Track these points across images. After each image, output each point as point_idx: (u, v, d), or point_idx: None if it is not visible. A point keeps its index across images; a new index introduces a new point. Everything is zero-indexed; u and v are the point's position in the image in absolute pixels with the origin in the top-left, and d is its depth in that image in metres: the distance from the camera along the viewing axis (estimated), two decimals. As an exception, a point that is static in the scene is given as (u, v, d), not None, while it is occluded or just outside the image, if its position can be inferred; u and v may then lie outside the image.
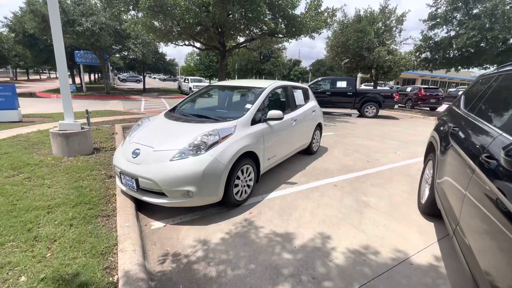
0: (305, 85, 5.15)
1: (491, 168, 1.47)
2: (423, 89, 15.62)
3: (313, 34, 10.06)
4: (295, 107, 4.34)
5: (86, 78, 36.49)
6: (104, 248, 2.03)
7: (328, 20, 9.47)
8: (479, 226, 1.49)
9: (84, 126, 4.56)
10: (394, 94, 11.60)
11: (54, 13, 3.98)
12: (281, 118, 3.39)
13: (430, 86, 17.68)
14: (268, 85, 3.77)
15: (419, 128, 9.37)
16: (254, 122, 3.24)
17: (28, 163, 3.71)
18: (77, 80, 24.11)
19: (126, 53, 20.64)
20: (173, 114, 3.61)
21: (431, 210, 2.82)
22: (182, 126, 3.09)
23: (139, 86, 30.27)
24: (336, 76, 13.07)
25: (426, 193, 2.99)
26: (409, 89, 17.04)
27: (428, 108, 16.40)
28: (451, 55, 12.98)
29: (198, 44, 12.00)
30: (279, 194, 3.41)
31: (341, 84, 11.84)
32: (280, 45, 28.74)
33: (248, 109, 3.29)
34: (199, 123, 3.09)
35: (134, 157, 2.70)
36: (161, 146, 2.70)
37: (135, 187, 2.62)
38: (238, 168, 2.86)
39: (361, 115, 11.81)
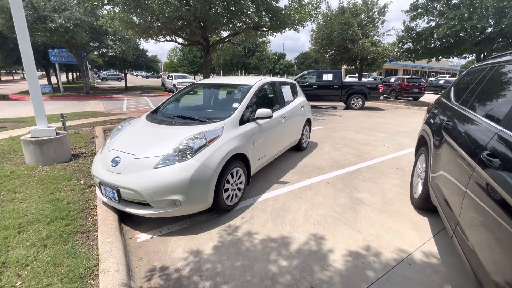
0: (292, 81, 5.03)
1: (493, 166, 1.40)
2: (406, 80, 15.92)
3: (297, 27, 9.91)
4: (283, 103, 4.22)
5: (63, 77, 34.80)
6: (83, 270, 1.85)
7: (313, 12, 9.33)
8: (481, 225, 1.43)
9: (60, 131, 4.25)
10: (379, 86, 11.71)
11: (17, 9, 3.62)
12: (270, 117, 3.25)
13: (413, 77, 18.06)
14: (255, 82, 3.61)
15: (404, 119, 9.51)
16: (242, 121, 3.09)
17: (-3, 175, 3.40)
18: (54, 80, 22.91)
19: (104, 51, 19.74)
20: (155, 116, 3.39)
21: (424, 205, 2.80)
22: (165, 129, 2.89)
23: (121, 84, 29.20)
24: (322, 69, 13.03)
25: (419, 187, 2.96)
26: (392, 80, 17.34)
27: (411, 98, 16.76)
28: (432, 45, 13.22)
29: (180, 40, 11.59)
30: (271, 195, 3.30)
31: (327, 77, 11.82)
32: (264, 38, 28.50)
33: (236, 108, 3.13)
34: (183, 126, 2.90)
35: (114, 166, 2.49)
36: (143, 153, 2.51)
37: (117, 198, 2.43)
38: (227, 172, 2.71)
39: (348, 107, 11.88)
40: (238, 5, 8.11)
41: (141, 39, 11.11)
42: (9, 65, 23.03)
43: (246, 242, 2.37)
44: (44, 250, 2.02)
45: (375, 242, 2.39)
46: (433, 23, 12.87)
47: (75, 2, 13.90)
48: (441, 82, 21.69)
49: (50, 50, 17.21)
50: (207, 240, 2.40)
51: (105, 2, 7.20)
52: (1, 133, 5.75)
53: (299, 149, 5.02)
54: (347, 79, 26.09)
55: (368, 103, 13.33)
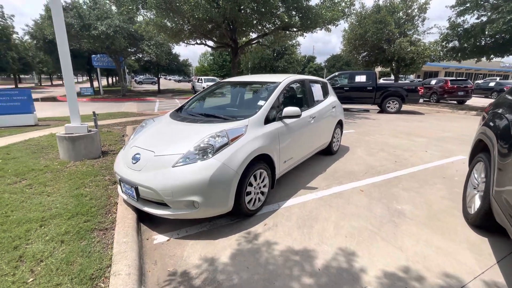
0: (324, 79, 4.70)
1: None
2: (449, 81, 14.54)
3: (329, 26, 9.50)
4: (313, 103, 3.92)
5: (104, 81, 37.64)
6: (94, 271, 1.75)
7: (346, 10, 8.87)
8: None
9: (92, 129, 4.39)
10: (418, 88, 10.78)
11: (57, 16, 3.81)
12: (298, 116, 2.99)
13: (458, 78, 16.46)
14: (282, 79, 3.38)
15: (448, 123, 8.59)
16: (267, 120, 2.87)
17: (33, 168, 3.56)
18: (96, 84, 24.78)
19: (140, 55, 20.90)
20: (179, 114, 3.31)
21: (484, 223, 2.33)
22: (187, 127, 2.78)
23: (155, 87, 30.73)
24: (354, 71, 12.38)
25: (475, 201, 2.49)
26: (433, 81, 15.96)
27: (455, 102, 15.28)
28: (483, 42, 11.87)
29: (210, 43, 11.77)
30: (297, 201, 3.02)
31: (360, 78, 11.17)
32: (294, 41, 28.15)
33: (261, 106, 2.92)
34: (206, 124, 2.76)
35: (134, 163, 2.42)
36: (163, 150, 2.40)
37: (135, 197, 2.34)
38: (250, 174, 2.50)
39: (382, 110, 11.09)
40: (267, 5, 7.97)
41: (173, 43, 11.43)
42: (58, 70, 25.34)
43: (268, 253, 2.13)
44: (61, 246, 1.97)
45: (419, 263, 2.01)
46: (484, 18, 11.57)
47: (115, 11, 14.87)
48: (492, 84, 19.54)
49: (93, 55, 18.61)
50: (225, 247, 2.21)
51: (139, 6, 7.53)
52: (44, 130, 6.17)
53: (329, 152, 4.66)
54: (381, 81, 24.69)
55: (405, 107, 12.36)
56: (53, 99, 17.20)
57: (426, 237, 2.35)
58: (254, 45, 11.65)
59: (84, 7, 15.07)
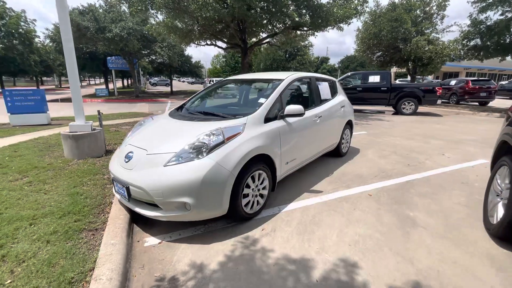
0: (332, 77, 4.50)
1: None
2: (470, 82, 13.80)
3: (341, 25, 9.22)
4: (319, 102, 3.73)
5: (120, 83, 38.71)
6: (75, 274, 1.65)
7: (359, 7, 8.58)
8: None
9: (96, 127, 4.39)
10: (436, 88, 10.26)
11: (63, 14, 3.84)
12: (301, 114, 2.82)
13: (480, 78, 15.61)
14: (286, 76, 3.22)
15: (468, 125, 8.09)
16: (268, 119, 2.72)
17: (37, 166, 3.57)
18: (111, 85, 25.49)
19: (154, 57, 21.28)
20: (179, 112, 3.22)
21: (508, 234, 2.07)
22: (184, 125, 2.67)
23: (168, 89, 31.26)
24: (367, 71, 11.99)
25: (498, 210, 2.22)
26: (453, 82, 15.21)
27: (477, 103, 14.49)
28: (508, 40, 11.16)
29: (220, 43, 11.77)
30: (299, 205, 2.84)
31: (374, 78, 10.77)
32: (306, 42, 27.85)
33: (262, 104, 2.77)
34: (202, 122, 2.65)
35: (126, 162, 2.33)
36: (156, 148, 2.30)
37: (127, 196, 2.25)
38: (247, 175, 2.36)
39: (397, 112, 10.65)
40: (277, 4, 7.83)
41: (184, 44, 11.50)
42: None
43: (263, 261, 1.97)
44: (46, 246, 1.90)
45: (433, 279, 1.79)
46: (509, 15, 10.89)
47: (127, 11, 15.21)
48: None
49: (108, 57, 19.12)
50: (218, 252, 2.07)
51: (148, 7, 7.61)
52: (54, 129, 6.30)
53: (337, 154, 4.44)
54: (397, 82, 23.90)
55: (422, 109, 11.82)
56: (70, 100, 17.79)
57: (440, 249, 2.11)
58: (264, 45, 11.52)
59: (100, 10, 15.53)
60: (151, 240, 2.24)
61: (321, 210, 2.73)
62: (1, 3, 21.12)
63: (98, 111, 4.52)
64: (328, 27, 9.08)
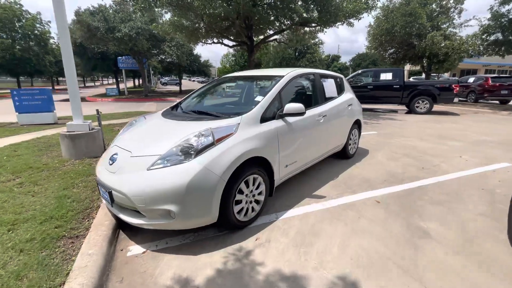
0: (338, 74, 4.23)
1: None
2: (490, 79, 13.06)
3: (351, 20, 8.86)
4: (324, 100, 3.48)
5: (131, 83, 39.33)
6: (43, 289, 1.51)
7: (370, 1, 8.19)
8: None
9: (95, 127, 4.31)
10: (453, 86, 9.72)
11: (60, 12, 3.75)
12: (302, 113, 2.60)
13: (501, 75, 14.78)
14: (287, 72, 3.00)
15: (489, 125, 7.58)
16: (266, 118, 2.51)
17: (32, 166, 3.51)
18: (122, 85, 25.88)
19: (163, 57, 21.38)
20: (172, 111, 3.06)
21: (538, 254, 1.78)
22: (174, 125, 2.50)
23: (177, 88, 31.48)
24: (379, 68, 11.53)
25: (526, 224, 1.93)
26: (471, 79, 14.47)
27: (497, 102, 13.72)
28: (532, 34, 10.47)
29: (227, 41, 11.60)
30: (299, 212, 2.62)
31: (386, 76, 10.33)
32: (316, 39, 27.33)
33: (258, 102, 2.56)
34: (193, 121, 2.47)
35: (110, 164, 2.18)
36: (141, 150, 2.14)
37: (110, 202, 2.10)
38: (240, 179, 2.16)
39: (411, 111, 10.17)
40: (284, 0, 7.57)
41: (191, 43, 11.40)
42: (88, 72, 26.79)
43: (254, 277, 1.77)
44: (19, 255, 1.77)
45: (449, 304, 1.54)
46: (533, 7, 10.19)
47: (138, 14, 15.28)
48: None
49: (118, 57, 19.35)
50: (205, 265, 1.88)
51: (152, 4, 7.53)
52: (58, 129, 6.30)
53: (344, 156, 4.18)
54: (411, 80, 23.08)
55: (437, 108, 11.27)
56: (83, 99, 18.13)
57: (456, 266, 1.85)
58: (272, 43, 11.27)
59: (110, 11, 15.69)
60: (135, 249, 2.08)
61: (323, 218, 2.50)
62: (18, 5, 21.82)
63: (97, 110, 4.43)
64: (338, 23, 8.74)
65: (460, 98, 14.51)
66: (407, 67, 22.89)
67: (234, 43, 11.03)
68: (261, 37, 10.75)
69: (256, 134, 2.33)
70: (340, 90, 4.01)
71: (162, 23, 9.37)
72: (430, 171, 3.72)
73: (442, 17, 13.13)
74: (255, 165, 2.32)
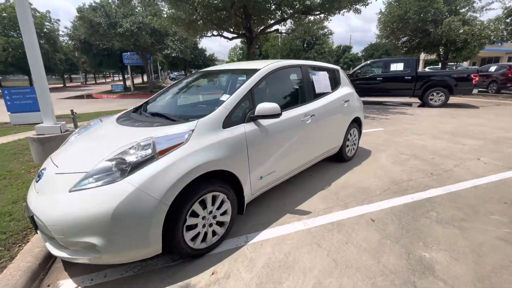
0: (333, 66, 3.69)
1: None
2: (515, 67, 11.93)
3: (357, 6, 8.15)
4: (313, 97, 2.98)
5: (140, 79, 39.53)
6: None
7: (378, -15, 7.43)
8: None
9: (70, 128, 4.01)
10: (472, 76, 8.84)
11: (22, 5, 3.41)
12: (277, 115, 2.14)
13: (527, 63, 13.53)
14: (264, 65, 2.52)
15: (513, 120, 6.79)
16: (231, 122, 2.07)
17: (-6, 173, 3.23)
18: (129, 81, 25.93)
19: (168, 51, 21.14)
20: (132, 113, 2.65)
21: None
22: (122, 132, 2.08)
23: (185, 83, 31.32)
24: (389, 58, 10.73)
25: None
26: (493, 68, 13.31)
27: (522, 92, 12.58)
28: None
29: (227, 34, 11.09)
30: (275, 233, 2.19)
31: (397, 66, 9.54)
32: (325, 30, 26.22)
33: (223, 101, 2.12)
34: (142, 127, 2.05)
35: (36, 181, 1.82)
36: (68, 165, 1.76)
37: (34, 228, 1.73)
38: (193, 200, 1.75)
39: (424, 104, 9.39)
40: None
41: (190, 36, 10.98)
42: (94, 68, 26.97)
43: (193, 332, 1.36)
44: None
45: None
46: None
47: (140, 9, 14.97)
48: None
49: (123, 53, 19.26)
50: (140, 311, 1.49)
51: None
52: (47, 128, 6.09)
53: (340, 159, 3.68)
54: (427, 70, 21.73)
55: (454, 99, 10.38)
56: (90, 96, 18.28)
57: (468, 325, 1.37)
58: (274, 34, 10.66)
59: (113, 6, 15.46)
60: (65, 284, 1.72)
61: (301, 243, 2.05)
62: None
63: (72, 111, 4.13)
64: (343, 10, 8.05)
65: (480, 89, 13.42)
66: (422, 56, 21.56)
67: (234, 35, 10.51)
68: (262, 27, 10.18)
69: (215, 142, 1.90)
70: (334, 84, 3.49)
71: (160, 17, 8.97)
72: (440, 178, 3.17)
73: (461, 1, 12.03)
74: (215, 180, 1.90)
